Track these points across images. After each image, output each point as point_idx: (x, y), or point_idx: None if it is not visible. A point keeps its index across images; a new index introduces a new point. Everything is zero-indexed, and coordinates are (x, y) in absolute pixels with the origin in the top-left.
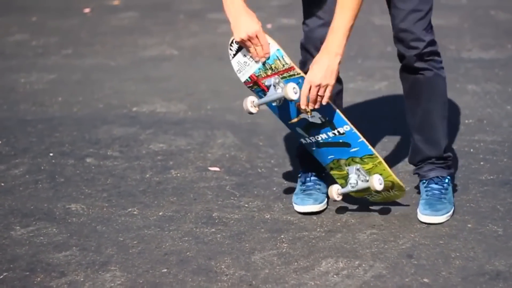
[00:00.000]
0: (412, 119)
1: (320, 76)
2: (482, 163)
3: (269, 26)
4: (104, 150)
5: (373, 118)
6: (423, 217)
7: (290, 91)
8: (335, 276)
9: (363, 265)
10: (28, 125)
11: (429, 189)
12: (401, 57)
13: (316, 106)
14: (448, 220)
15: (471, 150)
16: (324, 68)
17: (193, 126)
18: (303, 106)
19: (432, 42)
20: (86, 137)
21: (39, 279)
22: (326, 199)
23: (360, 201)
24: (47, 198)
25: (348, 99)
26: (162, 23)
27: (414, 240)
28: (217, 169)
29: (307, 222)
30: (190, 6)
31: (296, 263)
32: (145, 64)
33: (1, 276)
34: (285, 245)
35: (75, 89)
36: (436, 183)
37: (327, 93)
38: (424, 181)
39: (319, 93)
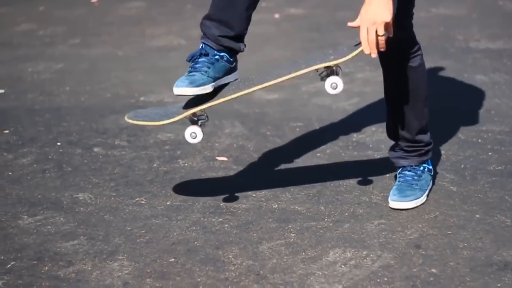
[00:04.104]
0: (386, 99)
1: (373, 12)
2: (490, 153)
3: (276, 15)
4: (111, 140)
5: (380, 107)
6: (391, 203)
7: (328, 87)
8: (342, 266)
9: (371, 255)
10: (35, 114)
11: (402, 175)
12: None
13: (381, 49)
14: (417, 206)
15: (479, 140)
16: (375, 4)
17: None
18: (367, 52)
19: (403, 41)
20: (94, 127)
21: (46, 268)
22: (211, 84)
23: (368, 191)
24: (54, 187)
25: (356, 89)
26: (169, 13)
27: (422, 230)
28: (224, 158)
29: (314, 212)
30: None
31: (303, 253)
32: (153, 54)
33: (9, 265)
34: (293, 235)
35: (83, 79)
36: (409, 170)
37: (384, 32)
38: (398, 167)
39: (378, 34)
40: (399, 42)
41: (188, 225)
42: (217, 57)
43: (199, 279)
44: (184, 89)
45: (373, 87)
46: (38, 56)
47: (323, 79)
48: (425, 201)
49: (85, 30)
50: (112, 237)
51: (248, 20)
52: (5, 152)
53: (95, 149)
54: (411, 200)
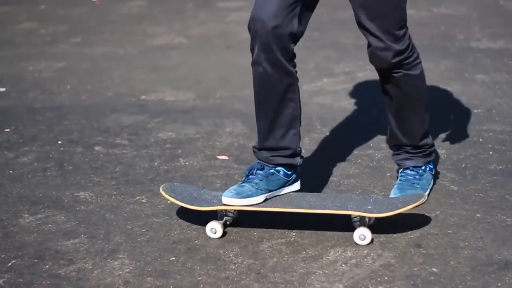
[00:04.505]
0: (388, 109)
1: None
2: (491, 153)
3: None
4: (112, 138)
5: (381, 106)
6: None
7: (356, 237)
8: (343, 265)
9: (372, 254)
10: (36, 113)
11: (403, 174)
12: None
13: None
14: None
15: (480, 139)
16: None
17: (201, 115)
18: None
19: (399, 53)
20: (95, 125)
21: (47, 266)
22: (262, 196)
23: (369, 190)
24: (55, 186)
25: (357, 88)
26: (170, 12)
27: (422, 229)
28: (225, 157)
29: None
30: None
31: (304, 252)
32: (154, 53)
33: (10, 264)
34: (293, 233)
35: (84, 77)
36: (411, 170)
37: None
38: (400, 168)
39: None
40: (398, 55)
41: (189, 223)
42: (272, 171)
43: (199, 278)
44: (229, 200)
45: (374, 86)
46: (40, 54)
47: (354, 224)
48: (426, 200)
49: (87, 28)
50: (113, 236)
51: (294, 137)
52: (6, 150)
53: (96, 148)
54: None
